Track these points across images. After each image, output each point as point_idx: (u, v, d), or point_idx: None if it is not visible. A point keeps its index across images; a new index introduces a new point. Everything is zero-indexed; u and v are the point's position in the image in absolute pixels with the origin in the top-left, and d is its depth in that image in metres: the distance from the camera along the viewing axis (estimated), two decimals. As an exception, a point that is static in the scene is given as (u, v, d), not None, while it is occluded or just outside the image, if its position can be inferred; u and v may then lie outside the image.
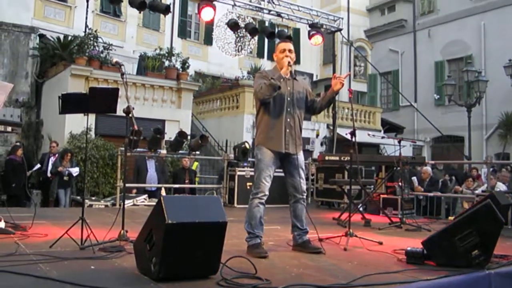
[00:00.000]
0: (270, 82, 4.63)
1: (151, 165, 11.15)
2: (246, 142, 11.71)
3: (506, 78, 19.63)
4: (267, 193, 4.80)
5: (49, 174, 11.01)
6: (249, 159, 11.29)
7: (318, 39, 13.17)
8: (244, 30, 13.70)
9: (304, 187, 4.98)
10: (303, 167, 5.06)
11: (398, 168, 8.30)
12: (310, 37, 13.21)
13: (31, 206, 10.08)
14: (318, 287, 3.42)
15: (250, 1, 12.50)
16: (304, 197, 4.99)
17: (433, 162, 15.03)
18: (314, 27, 13.07)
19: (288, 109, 4.87)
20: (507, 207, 6.36)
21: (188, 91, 15.69)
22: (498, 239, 4.15)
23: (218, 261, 3.58)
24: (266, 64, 22.63)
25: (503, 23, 21.31)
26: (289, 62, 4.79)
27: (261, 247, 4.69)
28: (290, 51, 4.94)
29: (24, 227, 5.52)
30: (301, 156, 5.01)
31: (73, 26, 18.49)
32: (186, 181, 11.55)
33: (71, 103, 5.08)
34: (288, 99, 4.87)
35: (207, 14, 11.44)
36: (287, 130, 4.85)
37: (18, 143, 11.62)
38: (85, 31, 15.38)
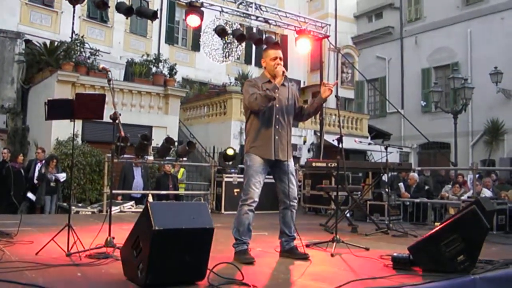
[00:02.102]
0: (266, 93, 4.62)
1: (137, 172, 11.12)
2: (230, 147, 11.72)
3: (492, 85, 19.87)
4: (256, 199, 4.76)
5: (35, 181, 10.92)
6: (239, 165, 11.28)
7: (305, 46, 13.21)
8: (231, 36, 13.72)
9: (295, 193, 4.95)
10: (294, 173, 5.04)
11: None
12: (297, 43, 13.25)
13: (18, 213, 9.98)
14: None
15: (238, 8, 12.52)
16: (295, 203, 4.96)
17: (419, 168, 15.13)
18: (302, 34, 13.11)
19: (277, 116, 4.86)
20: (492, 213, 6.40)
21: (175, 97, 15.67)
22: (483, 245, 4.19)
23: (205, 267, 3.58)
24: (253, 70, 22.66)
25: (489, 31, 21.54)
26: (283, 72, 4.76)
27: (248, 253, 4.69)
28: (280, 58, 4.94)
29: (10, 234, 5.48)
30: (291, 162, 4.98)
31: (60, 32, 18.41)
32: (170, 186, 11.50)
33: (58, 109, 5.06)
34: (277, 105, 4.85)
35: (193, 20, 11.44)
36: (277, 137, 4.83)
37: (5, 150, 11.51)
38: (71, 37, 15.33)
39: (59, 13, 19.15)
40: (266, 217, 7.78)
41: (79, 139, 12.89)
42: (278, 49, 5.10)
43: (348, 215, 9.00)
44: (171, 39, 23.31)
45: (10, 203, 10.32)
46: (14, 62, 16.30)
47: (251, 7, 12.54)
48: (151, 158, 10.18)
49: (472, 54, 22.45)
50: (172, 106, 15.51)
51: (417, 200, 10.68)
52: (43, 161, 11.05)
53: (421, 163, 23.01)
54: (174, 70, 16.20)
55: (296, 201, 4.98)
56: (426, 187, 12.26)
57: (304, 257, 4.81)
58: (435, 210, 11.60)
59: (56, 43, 15.43)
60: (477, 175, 10.73)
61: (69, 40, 15.12)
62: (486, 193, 10.45)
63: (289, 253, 4.93)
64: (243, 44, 16.09)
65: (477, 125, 21.73)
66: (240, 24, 15.23)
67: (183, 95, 16.79)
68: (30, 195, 10.87)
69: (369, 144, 12.44)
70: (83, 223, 7.16)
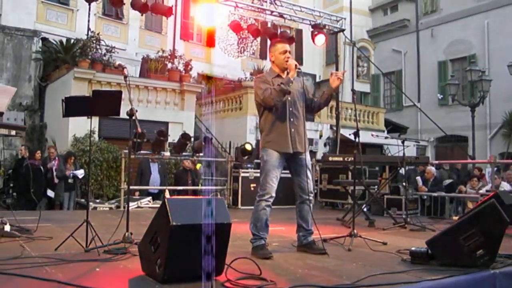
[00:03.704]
0: (281, 88, 4.63)
1: (154, 168, 11.17)
2: (248, 142, 11.72)
3: (510, 77, 19.51)
4: (273, 195, 4.76)
5: (56, 180, 10.97)
6: (255, 160, 11.28)
7: (321, 39, 13.18)
8: (246, 31, 13.71)
9: (311, 187, 4.95)
10: (310, 167, 5.03)
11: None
12: (313, 37, 13.24)
13: (36, 209, 10.08)
14: (323, 288, 3.42)
15: (252, 2, 12.51)
16: (311, 197, 4.96)
17: (436, 162, 15.01)
18: (317, 28, 13.07)
19: (291, 109, 4.87)
20: (512, 206, 6.35)
21: (191, 93, 15.69)
22: (502, 239, 4.14)
23: (223, 262, 3.58)
24: (268, 65, 22.35)
25: (507, 22, 21.24)
26: (296, 65, 4.75)
27: (265, 248, 4.69)
28: (289, 52, 4.97)
29: (29, 230, 5.54)
30: (308, 155, 4.99)
31: (76, 29, 18.51)
32: (189, 182, 11.54)
33: (75, 106, 5.10)
34: (289, 99, 4.84)
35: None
36: (293, 130, 4.84)
37: (23, 147, 11.62)
38: (87, 34, 15.41)
39: (74, 11, 19.28)
40: (283, 212, 7.77)
41: (96, 136, 12.96)
42: (286, 42, 5.12)
43: (365, 209, 8.98)
44: (186, 35, 23.34)
45: (29, 200, 10.42)
46: (31, 60, 16.46)
47: (266, 1, 12.54)
48: (167, 154, 10.24)
49: (489, 46, 22.19)
50: (187, 101, 15.52)
51: (435, 194, 10.61)
52: (57, 158, 11.11)
53: (439, 156, 22.82)
54: (190, 66, 16.22)
55: (312, 195, 4.98)
56: (450, 180, 12.18)
57: (322, 253, 4.79)
58: (456, 203, 11.52)
59: (72, 41, 15.54)
60: (495, 169, 10.62)
61: (85, 37, 15.20)
62: (505, 186, 10.34)
63: (307, 247, 4.92)
64: (258, 39, 16.08)
65: (495, 117, 21.48)
66: (255, 19, 15.20)
67: (199, 90, 16.82)
68: (49, 192, 10.95)
69: (386, 138, 12.38)
70: (101, 219, 7.21)
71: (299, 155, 4.89)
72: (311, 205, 4.96)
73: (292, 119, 4.86)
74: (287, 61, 4.84)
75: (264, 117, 4.92)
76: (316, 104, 5.15)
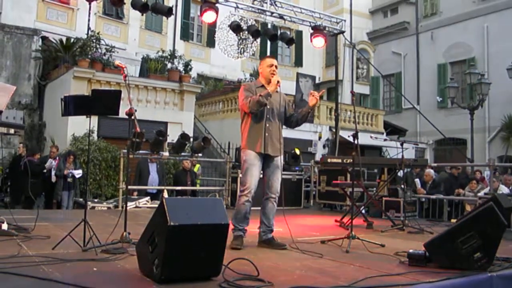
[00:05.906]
0: (259, 99, 5.10)
1: (153, 168, 11.16)
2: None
3: (509, 81, 19.55)
4: (253, 190, 5.17)
5: (53, 179, 10.94)
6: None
7: (320, 41, 13.16)
8: (246, 32, 13.71)
9: (278, 188, 5.32)
10: (281, 168, 5.41)
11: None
12: (312, 39, 13.21)
13: (33, 207, 10.06)
14: (320, 289, 3.42)
15: (253, 3, 12.51)
16: (276, 197, 5.34)
17: (435, 164, 15.01)
18: (317, 30, 13.07)
19: (268, 116, 5.33)
20: (510, 210, 6.34)
21: (190, 93, 15.70)
22: (500, 242, 4.14)
23: (221, 263, 3.58)
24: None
25: (506, 26, 21.29)
26: (278, 81, 5.20)
27: (240, 239, 5.06)
28: (276, 66, 5.41)
29: (27, 229, 5.53)
30: (281, 158, 5.40)
31: (76, 28, 18.54)
32: (188, 182, 11.54)
33: (74, 105, 5.09)
34: (268, 107, 5.28)
35: (209, 17, 11.46)
36: (267, 134, 5.28)
37: (21, 144, 11.60)
38: (87, 33, 15.44)
39: (75, 10, 19.30)
40: (278, 213, 7.75)
41: (95, 135, 12.97)
42: (274, 58, 5.63)
43: (363, 211, 8.97)
44: (186, 35, 23.37)
45: (27, 198, 10.41)
46: (31, 59, 16.46)
47: (266, 3, 12.53)
48: (166, 154, 10.21)
49: (488, 49, 22.23)
50: (187, 102, 15.54)
51: (433, 197, 10.60)
52: (57, 158, 11.09)
53: (437, 159, 22.86)
54: (189, 66, 16.23)
55: (278, 194, 5.33)
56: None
57: (282, 248, 5.12)
58: (452, 206, 11.51)
59: (72, 40, 15.55)
60: (494, 172, 10.61)
61: (85, 36, 15.22)
62: (504, 189, 10.33)
63: (267, 243, 5.23)
64: (258, 40, 16.05)
65: (494, 121, 21.52)
66: (255, 20, 15.19)
67: (198, 91, 16.83)
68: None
69: (385, 140, 12.35)
70: (99, 219, 7.20)
71: (273, 157, 5.32)
72: (275, 203, 5.36)
73: (267, 125, 5.31)
74: (272, 74, 5.32)
75: (245, 122, 5.40)
76: (294, 119, 5.61)
